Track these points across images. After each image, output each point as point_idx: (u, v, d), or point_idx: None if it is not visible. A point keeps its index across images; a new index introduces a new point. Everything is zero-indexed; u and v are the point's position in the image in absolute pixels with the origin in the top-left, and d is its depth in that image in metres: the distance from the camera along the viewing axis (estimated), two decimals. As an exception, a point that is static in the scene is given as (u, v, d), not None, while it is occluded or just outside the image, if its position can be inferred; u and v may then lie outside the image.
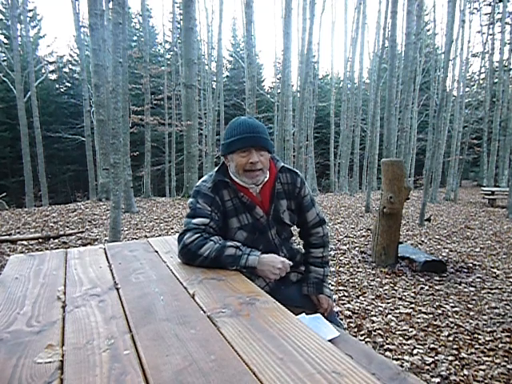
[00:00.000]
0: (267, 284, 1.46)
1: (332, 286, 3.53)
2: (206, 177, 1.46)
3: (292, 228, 1.60)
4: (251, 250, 1.29)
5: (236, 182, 1.41)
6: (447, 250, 5.14)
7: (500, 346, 2.40)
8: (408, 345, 2.40)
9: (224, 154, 1.41)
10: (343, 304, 3.08)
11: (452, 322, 2.75)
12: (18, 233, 5.82)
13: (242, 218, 1.42)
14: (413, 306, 3.08)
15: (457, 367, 2.14)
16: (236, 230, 1.42)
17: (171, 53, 20.71)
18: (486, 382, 2.00)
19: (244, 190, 1.41)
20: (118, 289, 1.10)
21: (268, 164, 1.41)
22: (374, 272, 4.01)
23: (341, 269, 4.12)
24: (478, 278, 3.87)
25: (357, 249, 5.05)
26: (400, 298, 3.25)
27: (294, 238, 1.63)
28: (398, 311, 2.96)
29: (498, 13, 17.60)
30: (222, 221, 1.41)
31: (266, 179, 1.42)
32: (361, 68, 18.00)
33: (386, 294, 3.37)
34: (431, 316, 2.87)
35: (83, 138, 16.07)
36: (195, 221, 1.34)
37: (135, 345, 0.77)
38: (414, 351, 2.32)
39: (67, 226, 6.39)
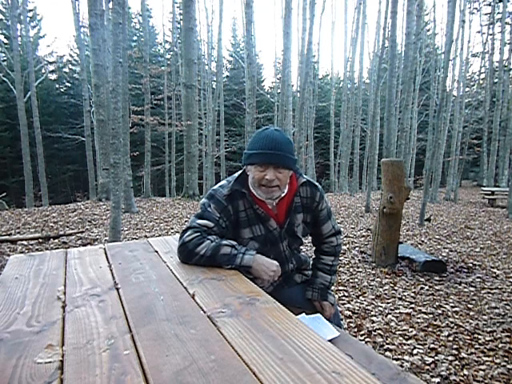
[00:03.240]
0: (272, 284, 1.47)
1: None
2: (225, 182, 1.43)
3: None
4: (246, 249, 1.29)
5: (253, 194, 1.39)
6: (447, 250, 5.14)
7: (500, 346, 2.40)
8: (408, 345, 2.40)
9: (244, 163, 1.39)
10: (343, 304, 3.08)
11: (452, 322, 2.75)
12: (18, 233, 5.82)
13: (254, 228, 1.42)
14: (413, 306, 3.08)
15: (457, 367, 2.14)
16: (248, 241, 1.42)
17: (171, 53, 20.71)
18: (485, 382, 2.00)
19: (260, 202, 1.39)
20: (118, 289, 1.10)
21: (286, 181, 1.37)
22: (374, 272, 4.01)
23: (341, 269, 4.12)
24: (478, 278, 3.87)
25: (357, 249, 5.05)
26: (400, 298, 3.25)
27: (302, 246, 1.63)
28: (398, 311, 2.96)
29: (498, 13, 17.61)
30: (231, 230, 1.40)
31: (283, 195, 1.39)
32: (361, 68, 17.99)
33: (385, 294, 3.37)
34: (431, 316, 2.87)
35: (83, 138, 16.07)
36: (200, 221, 1.35)
37: (135, 345, 0.77)
38: (414, 351, 2.32)
39: (67, 226, 6.38)
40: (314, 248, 1.64)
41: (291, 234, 1.47)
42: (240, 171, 1.44)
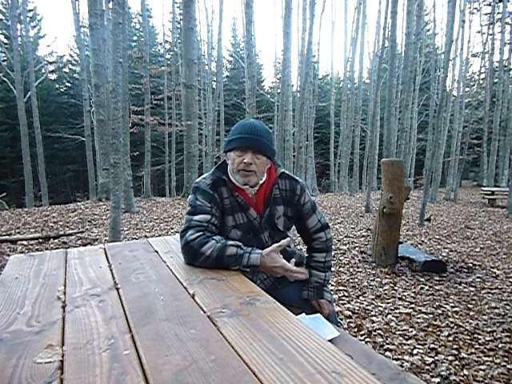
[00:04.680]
0: (262, 282, 1.46)
1: (332, 286, 3.53)
2: (207, 174, 1.47)
3: (292, 231, 1.59)
4: (252, 248, 1.29)
5: (233, 182, 1.42)
6: (447, 250, 5.14)
7: (500, 346, 2.40)
8: (408, 345, 2.40)
9: (225, 151, 1.43)
10: (343, 304, 3.08)
11: (452, 322, 2.75)
12: (18, 233, 5.82)
13: (237, 216, 1.43)
14: (413, 306, 3.08)
15: (457, 367, 2.14)
16: (231, 229, 1.43)
17: (171, 53, 20.71)
18: (485, 382, 2.00)
19: (240, 190, 1.42)
20: (117, 289, 1.10)
21: (263, 169, 1.40)
22: (374, 272, 4.01)
23: (341, 269, 4.12)
24: (478, 278, 3.87)
25: (357, 249, 5.05)
26: (400, 298, 3.25)
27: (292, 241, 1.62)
28: (398, 311, 2.96)
29: (498, 13, 17.61)
30: (220, 218, 1.42)
31: (260, 182, 1.42)
32: (361, 68, 18.00)
33: (385, 294, 3.37)
34: (431, 316, 2.87)
35: (83, 138, 16.07)
36: (197, 217, 1.35)
37: (135, 345, 0.77)
38: (414, 351, 2.32)
39: (67, 226, 6.38)
40: (306, 247, 1.63)
41: (272, 225, 1.47)
42: (221, 161, 1.48)
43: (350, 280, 3.74)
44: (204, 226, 1.33)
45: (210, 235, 1.31)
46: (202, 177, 1.46)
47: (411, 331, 2.60)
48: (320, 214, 1.56)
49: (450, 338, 2.50)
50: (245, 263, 1.25)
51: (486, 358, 2.24)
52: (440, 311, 2.96)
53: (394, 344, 2.41)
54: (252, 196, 1.43)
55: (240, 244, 1.30)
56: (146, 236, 5.67)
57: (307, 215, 1.52)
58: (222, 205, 1.42)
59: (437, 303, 3.12)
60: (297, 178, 1.51)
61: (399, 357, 2.25)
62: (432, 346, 2.38)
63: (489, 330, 2.63)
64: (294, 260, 1.34)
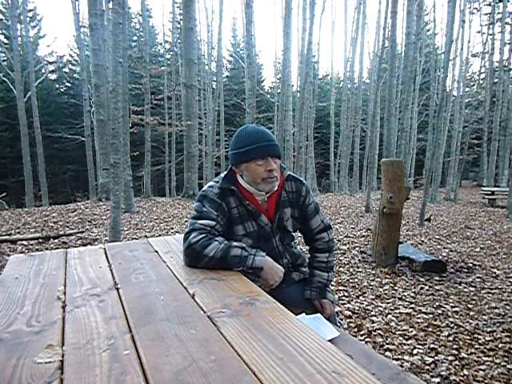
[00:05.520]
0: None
1: (332, 285, 3.53)
2: (213, 182, 1.45)
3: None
4: (256, 251, 1.30)
5: (243, 190, 1.41)
6: (447, 250, 5.14)
7: (500, 346, 2.40)
8: (408, 345, 2.40)
9: (236, 163, 1.39)
10: (343, 304, 3.08)
11: (452, 322, 2.75)
12: (18, 233, 5.82)
13: (247, 225, 1.43)
14: (413, 306, 3.08)
15: (457, 367, 2.14)
16: (241, 237, 1.43)
17: (171, 53, 20.70)
18: (485, 382, 2.00)
19: (250, 197, 1.41)
20: (118, 289, 1.10)
21: (279, 171, 1.41)
22: (374, 272, 4.01)
23: (341, 269, 4.12)
24: (478, 278, 3.87)
25: (357, 249, 5.05)
26: (400, 298, 3.25)
27: (294, 241, 1.64)
28: (397, 311, 2.96)
29: (498, 13, 17.60)
30: (226, 227, 1.42)
31: (275, 188, 1.42)
32: (361, 68, 18.00)
33: (385, 294, 3.37)
34: (431, 316, 2.87)
35: (83, 138, 16.07)
36: (201, 222, 1.34)
37: (135, 345, 0.77)
38: (414, 351, 2.32)
39: (67, 226, 6.38)
40: (308, 247, 1.64)
41: (282, 228, 1.48)
42: (226, 171, 1.46)
43: (350, 280, 3.74)
44: (207, 229, 1.33)
45: (212, 237, 1.31)
46: (209, 185, 1.44)
47: (411, 331, 2.60)
48: (322, 215, 1.58)
49: (450, 338, 2.50)
50: (249, 265, 1.25)
51: (486, 358, 2.24)
52: (440, 311, 2.96)
53: (394, 344, 2.41)
54: (263, 202, 1.44)
55: (244, 246, 1.30)
56: (146, 236, 5.67)
57: (311, 216, 1.54)
58: (229, 214, 1.41)
59: (437, 303, 3.12)
60: (301, 179, 1.52)
61: (399, 357, 2.25)
62: (432, 345, 2.38)
63: (489, 330, 2.63)
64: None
